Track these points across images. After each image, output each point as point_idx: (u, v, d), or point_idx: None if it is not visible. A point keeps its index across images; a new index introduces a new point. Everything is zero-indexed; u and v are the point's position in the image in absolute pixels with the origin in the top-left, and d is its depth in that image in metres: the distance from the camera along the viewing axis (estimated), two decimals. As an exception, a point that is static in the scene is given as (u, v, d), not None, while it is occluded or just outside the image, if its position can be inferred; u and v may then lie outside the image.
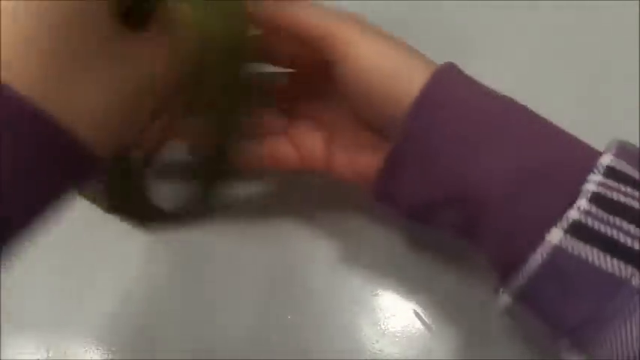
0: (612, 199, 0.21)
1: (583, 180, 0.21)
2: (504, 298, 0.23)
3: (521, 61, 0.40)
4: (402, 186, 0.25)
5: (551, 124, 0.24)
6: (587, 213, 0.20)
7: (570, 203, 0.21)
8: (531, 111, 0.24)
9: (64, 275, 0.38)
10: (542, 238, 0.21)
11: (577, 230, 0.20)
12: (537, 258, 0.21)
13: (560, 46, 0.40)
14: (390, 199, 0.26)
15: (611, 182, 0.21)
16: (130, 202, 0.31)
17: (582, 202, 0.21)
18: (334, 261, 0.35)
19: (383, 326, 0.34)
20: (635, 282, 0.20)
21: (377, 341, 0.33)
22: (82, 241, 0.39)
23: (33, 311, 0.38)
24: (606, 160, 0.21)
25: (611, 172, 0.21)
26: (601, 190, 0.21)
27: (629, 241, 0.20)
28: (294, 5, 0.26)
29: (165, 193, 0.33)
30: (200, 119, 0.28)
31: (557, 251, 0.21)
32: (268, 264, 0.36)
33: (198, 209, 0.34)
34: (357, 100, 0.26)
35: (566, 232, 0.20)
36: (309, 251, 0.35)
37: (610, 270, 0.20)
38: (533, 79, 0.38)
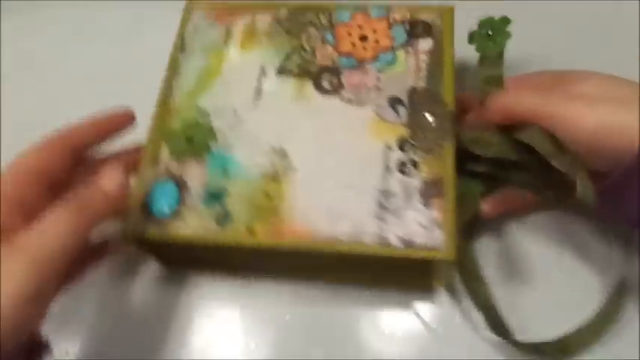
0: None
1: None
2: None
3: (521, 61, 0.41)
4: (624, 201, 0.30)
5: None
6: None
7: None
8: None
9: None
10: None
11: None
12: None
13: (560, 46, 0.43)
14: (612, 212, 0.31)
15: None
16: None
17: None
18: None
19: (383, 326, 0.35)
20: None
21: (377, 341, 0.35)
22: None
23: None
24: None
25: None
26: None
27: None
28: (500, 97, 0.33)
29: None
30: None
31: None
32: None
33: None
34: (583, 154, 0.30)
35: None
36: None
37: None
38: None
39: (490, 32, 0.35)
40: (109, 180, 0.30)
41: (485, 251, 0.36)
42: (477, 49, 0.35)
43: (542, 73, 0.36)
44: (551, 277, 0.36)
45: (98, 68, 0.44)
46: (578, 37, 0.44)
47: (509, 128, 0.33)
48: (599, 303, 0.34)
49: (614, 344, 0.34)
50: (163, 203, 0.33)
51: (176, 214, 0.32)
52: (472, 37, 0.35)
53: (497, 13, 0.35)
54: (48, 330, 0.30)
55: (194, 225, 0.32)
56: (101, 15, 0.47)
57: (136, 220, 0.32)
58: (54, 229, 0.27)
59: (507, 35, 0.35)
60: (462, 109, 0.35)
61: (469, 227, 0.35)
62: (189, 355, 0.35)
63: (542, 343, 0.33)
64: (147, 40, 0.46)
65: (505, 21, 0.35)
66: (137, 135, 0.35)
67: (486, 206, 0.36)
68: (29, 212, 0.29)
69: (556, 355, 0.34)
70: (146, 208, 0.33)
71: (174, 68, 0.37)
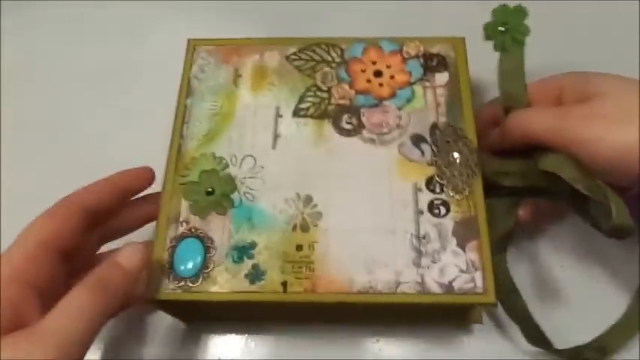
0: None
1: None
2: None
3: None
4: None
5: None
6: None
7: None
8: None
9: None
10: None
11: None
12: None
13: (560, 46, 0.43)
14: None
15: None
16: None
17: None
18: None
19: (383, 326, 0.35)
20: None
21: (377, 341, 0.35)
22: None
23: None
24: None
25: None
26: None
27: None
28: (520, 116, 0.32)
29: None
30: None
31: None
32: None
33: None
34: (597, 172, 0.30)
35: None
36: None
37: None
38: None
39: (505, 27, 0.34)
40: (128, 258, 0.29)
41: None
42: (496, 47, 0.34)
43: (560, 79, 0.35)
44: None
45: (99, 68, 0.44)
46: (578, 37, 0.45)
47: (530, 149, 0.32)
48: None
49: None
50: (188, 262, 0.31)
51: (203, 273, 0.31)
52: (487, 30, 0.34)
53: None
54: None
55: (225, 284, 0.30)
56: (102, 14, 0.47)
57: (160, 281, 0.30)
58: (74, 314, 0.26)
59: (526, 30, 0.34)
60: (480, 126, 0.34)
61: (502, 242, 0.34)
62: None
63: (582, 347, 0.33)
64: (147, 39, 0.46)
65: (520, 11, 0.34)
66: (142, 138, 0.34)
67: (520, 212, 0.35)
68: (42, 287, 0.28)
69: (597, 357, 0.33)
70: (169, 269, 0.31)
71: (182, 114, 0.35)
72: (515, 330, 0.34)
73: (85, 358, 0.34)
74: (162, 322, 0.36)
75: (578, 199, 0.31)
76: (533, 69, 0.36)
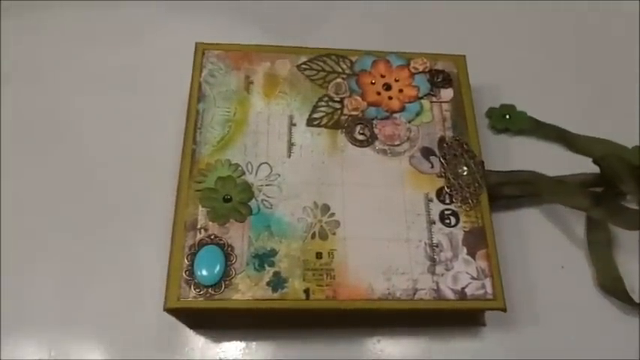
0: None
1: None
2: None
3: (519, 61, 0.43)
4: None
5: None
6: None
7: None
8: None
9: (64, 275, 0.37)
10: None
11: None
12: None
13: (560, 45, 0.45)
14: None
15: None
16: None
17: None
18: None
19: (384, 327, 0.35)
20: None
21: (378, 341, 0.35)
22: (82, 241, 0.38)
23: (34, 311, 0.36)
24: None
25: None
26: None
27: None
28: None
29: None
30: None
31: None
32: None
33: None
34: None
35: None
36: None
37: None
38: (534, 78, 0.43)
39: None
40: None
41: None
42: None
43: None
44: None
45: (98, 68, 0.43)
46: (578, 37, 0.47)
47: None
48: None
49: (614, 344, 0.36)
50: (209, 270, 0.31)
51: (225, 280, 0.31)
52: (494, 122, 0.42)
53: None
54: None
55: (247, 292, 0.30)
56: (102, 15, 0.46)
57: (180, 289, 0.30)
58: None
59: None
60: None
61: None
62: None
63: None
64: (147, 40, 0.45)
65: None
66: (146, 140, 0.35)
67: None
68: None
69: None
70: (189, 276, 0.30)
71: (194, 119, 0.35)
72: (515, 330, 0.36)
73: (86, 358, 0.34)
74: (163, 322, 0.35)
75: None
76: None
